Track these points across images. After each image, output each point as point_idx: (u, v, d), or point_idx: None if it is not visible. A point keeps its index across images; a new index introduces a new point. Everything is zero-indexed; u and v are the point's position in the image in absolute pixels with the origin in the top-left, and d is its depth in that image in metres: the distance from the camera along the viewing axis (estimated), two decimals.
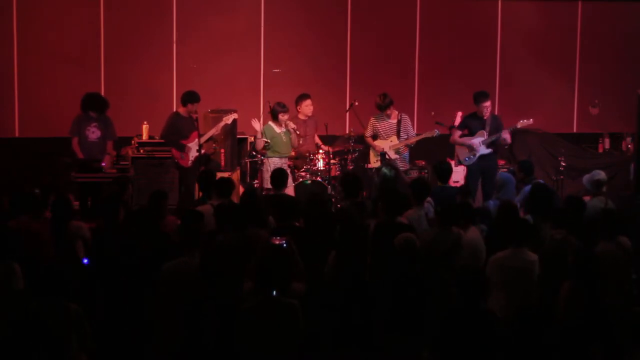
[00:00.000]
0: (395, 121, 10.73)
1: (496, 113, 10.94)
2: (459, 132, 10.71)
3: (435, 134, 10.77)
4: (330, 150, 10.95)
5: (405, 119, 10.82)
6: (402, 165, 10.72)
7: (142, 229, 6.89)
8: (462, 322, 5.38)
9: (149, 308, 6.23)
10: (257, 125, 10.61)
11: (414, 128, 11.13)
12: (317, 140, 11.17)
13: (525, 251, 6.47)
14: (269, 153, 10.57)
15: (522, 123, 10.70)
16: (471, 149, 10.55)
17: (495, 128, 10.58)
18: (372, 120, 10.83)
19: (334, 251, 6.52)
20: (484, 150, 10.54)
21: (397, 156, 10.70)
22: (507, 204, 7.69)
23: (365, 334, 6.26)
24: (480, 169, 10.57)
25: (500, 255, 6.50)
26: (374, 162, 10.78)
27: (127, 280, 6.49)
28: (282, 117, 10.50)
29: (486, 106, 10.55)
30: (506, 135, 10.57)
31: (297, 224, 7.15)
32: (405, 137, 10.73)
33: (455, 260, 6.76)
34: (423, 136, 10.80)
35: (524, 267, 6.39)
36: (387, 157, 10.64)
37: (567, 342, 5.86)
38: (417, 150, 11.15)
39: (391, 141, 10.72)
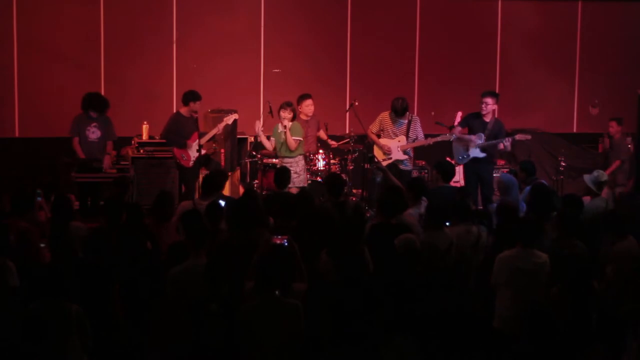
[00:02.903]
0: (406, 121, 10.60)
1: (496, 114, 10.90)
2: (459, 129, 10.63)
3: (452, 138, 10.57)
4: (335, 144, 10.91)
5: (416, 120, 10.64)
6: (410, 165, 10.70)
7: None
8: None
9: (153, 309, 6.24)
10: (258, 126, 10.53)
11: None
12: (323, 136, 11.13)
13: (534, 252, 6.34)
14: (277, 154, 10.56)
15: (520, 136, 10.63)
16: (466, 147, 10.45)
17: (495, 134, 10.43)
18: (383, 117, 10.62)
19: (324, 250, 6.47)
20: (477, 152, 10.41)
21: (406, 156, 10.63)
22: (505, 205, 7.66)
23: (365, 334, 6.25)
24: (475, 173, 10.40)
25: (507, 253, 6.38)
26: (383, 160, 10.67)
27: (129, 281, 6.48)
28: (282, 113, 10.44)
29: (486, 102, 10.41)
30: (507, 143, 10.47)
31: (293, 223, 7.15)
32: (414, 137, 10.62)
33: (448, 261, 6.77)
34: (439, 139, 10.65)
35: (532, 268, 6.28)
36: (375, 159, 10.56)
37: (559, 344, 5.87)
38: (417, 150, 11.14)
39: (399, 141, 10.59)
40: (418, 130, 10.63)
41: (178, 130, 10.57)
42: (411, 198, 7.93)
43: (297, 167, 10.27)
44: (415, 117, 10.73)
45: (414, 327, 5.81)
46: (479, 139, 10.35)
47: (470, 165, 10.47)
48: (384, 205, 7.30)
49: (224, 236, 6.70)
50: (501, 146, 10.48)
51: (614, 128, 12.29)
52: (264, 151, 10.96)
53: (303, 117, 10.96)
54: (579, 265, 6.01)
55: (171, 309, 6.01)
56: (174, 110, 11.36)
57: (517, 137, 10.61)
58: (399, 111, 10.43)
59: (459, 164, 10.71)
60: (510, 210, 7.49)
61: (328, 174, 10.05)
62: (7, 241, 6.42)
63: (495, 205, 8.41)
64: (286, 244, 6.22)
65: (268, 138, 10.54)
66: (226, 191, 10.37)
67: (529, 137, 10.76)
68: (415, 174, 11.33)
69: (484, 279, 6.56)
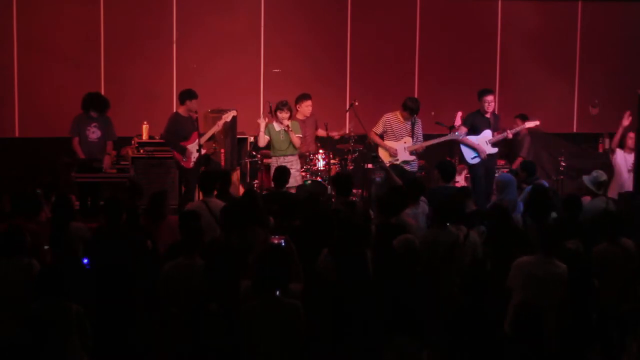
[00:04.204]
0: (410, 123, 10.63)
1: (496, 113, 10.93)
2: (464, 129, 10.65)
3: (460, 137, 10.61)
4: (337, 135, 10.97)
5: (419, 122, 10.68)
6: (416, 166, 10.71)
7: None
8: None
9: (148, 309, 6.24)
10: (262, 123, 10.56)
11: None
12: (323, 133, 11.11)
13: (554, 261, 6.22)
14: (272, 152, 10.59)
15: (529, 124, 10.70)
16: (479, 149, 10.50)
17: (496, 127, 10.62)
18: (387, 118, 10.61)
19: (325, 250, 6.47)
20: (490, 149, 10.52)
21: (413, 157, 10.64)
22: (497, 206, 7.62)
23: (365, 334, 6.25)
24: (485, 166, 10.54)
25: (526, 259, 6.29)
26: (389, 161, 10.64)
27: (127, 281, 6.48)
28: (280, 114, 10.47)
29: (489, 100, 10.49)
30: (509, 134, 10.64)
31: (296, 222, 7.13)
32: (416, 139, 10.66)
33: (455, 260, 6.76)
34: (448, 138, 10.74)
35: (546, 277, 6.17)
36: (379, 159, 10.56)
37: (559, 345, 5.87)
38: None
39: (405, 142, 10.59)
40: (419, 132, 10.68)
41: (177, 131, 10.55)
42: (409, 197, 7.94)
43: (297, 165, 10.45)
44: (418, 119, 10.75)
45: (413, 327, 5.82)
46: (487, 136, 10.44)
47: (480, 162, 10.55)
48: (384, 205, 7.31)
49: (222, 236, 6.70)
50: (508, 136, 10.68)
51: (518, 125, 12.06)
52: (263, 151, 10.98)
53: (300, 117, 10.96)
54: (579, 265, 6.01)
55: (165, 305, 6.02)
56: (174, 110, 11.35)
57: (527, 124, 10.69)
58: (415, 109, 10.47)
59: (471, 164, 10.70)
60: (502, 211, 7.43)
61: (336, 173, 10.04)
62: (26, 243, 6.39)
63: None
64: (284, 244, 6.22)
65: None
66: None
67: (537, 122, 10.81)
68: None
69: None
